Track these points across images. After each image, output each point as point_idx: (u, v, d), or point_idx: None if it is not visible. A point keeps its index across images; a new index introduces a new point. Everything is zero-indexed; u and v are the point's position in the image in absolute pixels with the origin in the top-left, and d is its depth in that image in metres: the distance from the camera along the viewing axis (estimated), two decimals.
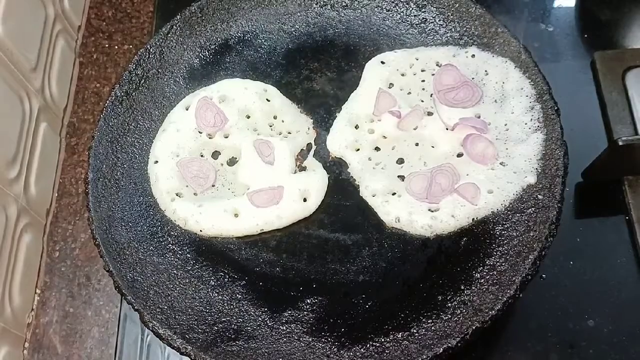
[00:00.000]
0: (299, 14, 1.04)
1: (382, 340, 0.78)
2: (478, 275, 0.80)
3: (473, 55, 0.95)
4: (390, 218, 0.87)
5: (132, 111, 0.96)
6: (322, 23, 1.03)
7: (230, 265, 0.86)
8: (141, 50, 1.00)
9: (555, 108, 0.88)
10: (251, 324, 0.81)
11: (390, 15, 1.01)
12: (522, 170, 0.85)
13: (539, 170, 0.85)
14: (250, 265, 0.86)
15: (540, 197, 0.83)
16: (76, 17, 1.26)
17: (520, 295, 0.78)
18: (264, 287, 0.84)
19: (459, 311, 0.78)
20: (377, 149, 0.92)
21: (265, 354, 0.79)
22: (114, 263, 0.85)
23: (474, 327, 0.76)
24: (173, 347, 0.80)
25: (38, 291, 1.04)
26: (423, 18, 1.00)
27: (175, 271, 0.86)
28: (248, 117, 0.96)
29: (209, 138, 0.94)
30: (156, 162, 0.93)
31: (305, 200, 0.89)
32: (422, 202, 0.86)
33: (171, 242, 0.88)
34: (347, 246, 0.86)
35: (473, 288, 0.80)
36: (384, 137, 0.93)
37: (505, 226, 0.83)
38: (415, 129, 0.92)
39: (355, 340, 0.79)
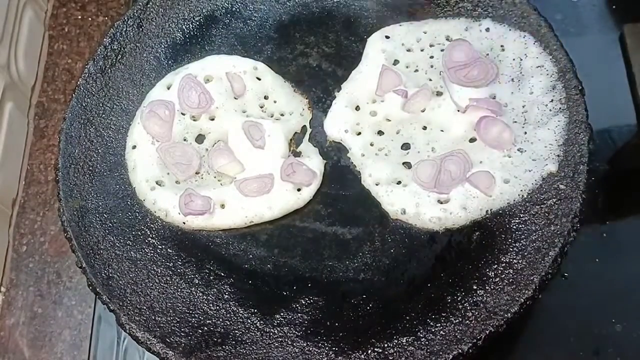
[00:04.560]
0: None
1: (385, 345, 0.78)
2: (492, 274, 0.80)
3: (487, 29, 0.95)
4: (395, 209, 0.86)
5: (107, 90, 0.96)
6: None
7: (216, 262, 0.86)
8: (118, 22, 0.99)
9: (579, 88, 0.87)
10: (239, 326, 0.81)
11: None
12: (542, 157, 0.85)
13: (561, 157, 0.84)
14: (239, 262, 0.86)
15: (562, 187, 0.82)
16: None
17: (540, 296, 0.77)
18: (254, 286, 0.84)
19: (470, 314, 0.78)
20: (380, 132, 0.92)
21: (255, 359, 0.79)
22: (87, 259, 0.85)
23: (487, 332, 0.76)
24: (152, 352, 0.80)
25: (3, 289, 1.04)
26: None
27: (155, 268, 0.86)
28: (236, 97, 0.95)
29: (193, 120, 0.94)
30: (134, 147, 0.93)
31: (299, 189, 0.89)
32: (431, 192, 0.86)
33: (151, 235, 0.88)
34: (346, 241, 0.86)
35: (487, 288, 0.79)
36: (388, 119, 0.92)
37: (523, 219, 0.82)
38: (422, 110, 0.91)
39: (355, 345, 0.78)
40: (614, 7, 1.15)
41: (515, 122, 0.88)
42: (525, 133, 0.87)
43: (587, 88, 0.87)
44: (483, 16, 0.95)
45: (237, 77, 0.95)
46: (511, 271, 0.79)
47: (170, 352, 0.79)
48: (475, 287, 0.80)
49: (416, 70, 0.95)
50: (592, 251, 0.96)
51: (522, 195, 0.84)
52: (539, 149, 0.85)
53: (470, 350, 0.75)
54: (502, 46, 0.93)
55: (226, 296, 0.83)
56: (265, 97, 0.95)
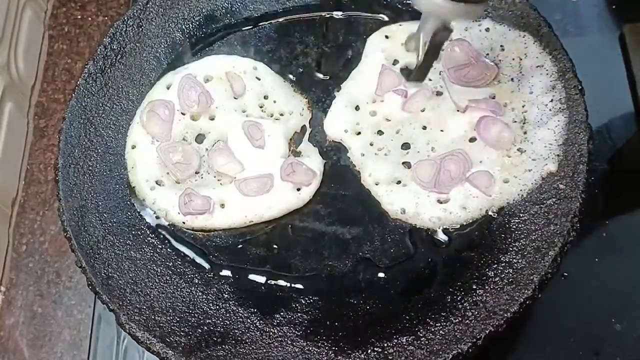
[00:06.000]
0: None
1: (385, 345, 0.78)
2: (492, 274, 0.80)
3: (487, 29, 0.95)
4: (395, 209, 0.86)
5: (107, 90, 0.96)
6: None
7: (216, 262, 0.86)
8: (117, 22, 0.99)
9: (579, 87, 0.87)
10: (239, 326, 0.81)
11: None
12: (542, 156, 0.85)
13: (561, 157, 0.84)
14: (239, 262, 0.86)
15: (561, 186, 0.82)
16: None
17: (539, 296, 0.77)
18: (254, 285, 0.84)
19: (470, 313, 0.78)
20: (379, 132, 0.92)
21: (255, 359, 0.78)
22: (87, 258, 0.85)
23: (487, 331, 0.76)
24: (152, 352, 0.80)
25: (3, 289, 1.04)
26: None
27: (154, 267, 0.86)
28: (236, 97, 0.95)
29: (193, 120, 0.94)
30: (134, 147, 0.93)
31: (299, 189, 0.89)
32: (430, 191, 0.86)
33: (150, 235, 0.88)
34: (346, 240, 0.86)
35: (486, 288, 0.79)
36: (388, 119, 0.92)
37: (523, 219, 0.82)
38: (422, 110, 0.91)
39: (355, 345, 0.78)
40: (614, 7, 1.15)
41: (515, 121, 0.88)
42: (525, 133, 0.87)
43: (587, 88, 0.87)
44: (483, 16, 0.95)
45: (237, 77, 0.95)
46: (511, 271, 0.79)
47: (170, 351, 0.79)
48: (475, 287, 0.80)
49: None
50: (592, 251, 0.96)
51: (522, 195, 0.84)
52: (538, 149, 0.85)
53: (470, 350, 0.75)
54: (502, 46, 0.93)
55: (226, 296, 0.83)
56: (265, 97, 0.95)
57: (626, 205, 1.00)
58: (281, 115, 0.94)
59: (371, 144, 0.91)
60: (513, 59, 0.92)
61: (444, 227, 0.84)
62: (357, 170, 0.90)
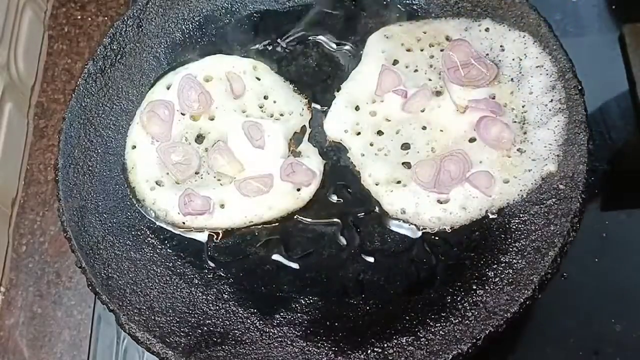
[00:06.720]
0: None
1: (385, 345, 0.78)
2: (492, 274, 0.80)
3: (487, 29, 0.95)
4: (395, 209, 0.86)
5: (107, 90, 0.96)
6: None
7: (216, 262, 0.86)
8: (117, 22, 0.99)
9: (579, 88, 0.87)
10: (239, 326, 0.81)
11: None
12: (542, 157, 0.85)
13: (561, 157, 0.84)
14: (239, 262, 0.86)
15: (561, 186, 0.82)
16: None
17: (539, 296, 0.77)
18: (254, 285, 0.84)
19: (470, 314, 0.78)
20: (379, 132, 0.92)
21: (255, 359, 0.78)
22: (87, 259, 0.85)
23: (487, 332, 0.76)
24: (152, 352, 0.80)
25: (3, 290, 1.04)
26: None
27: (154, 268, 0.86)
28: (236, 97, 0.95)
29: (193, 120, 0.94)
30: (134, 147, 0.93)
31: (298, 189, 0.89)
32: (430, 192, 0.86)
33: (150, 235, 0.88)
34: (346, 241, 0.86)
35: (486, 288, 0.79)
36: (388, 119, 0.92)
37: (523, 219, 0.82)
38: (422, 110, 0.91)
39: (355, 345, 0.78)
40: (613, 7, 1.15)
41: (515, 122, 0.88)
42: (525, 133, 0.87)
43: (587, 88, 0.87)
44: (483, 16, 0.95)
45: (237, 77, 0.95)
46: (511, 271, 0.79)
47: (170, 352, 0.79)
48: (475, 287, 0.79)
49: (416, 70, 0.94)
50: (592, 251, 0.96)
51: (522, 195, 0.84)
52: (538, 149, 0.85)
53: (470, 350, 0.75)
54: (501, 46, 0.93)
55: (226, 296, 0.83)
56: (265, 97, 0.95)
57: (626, 205, 1.00)
58: (281, 115, 0.94)
59: (371, 144, 0.91)
60: (513, 59, 0.92)
61: (444, 227, 0.84)
62: (357, 170, 0.90)
